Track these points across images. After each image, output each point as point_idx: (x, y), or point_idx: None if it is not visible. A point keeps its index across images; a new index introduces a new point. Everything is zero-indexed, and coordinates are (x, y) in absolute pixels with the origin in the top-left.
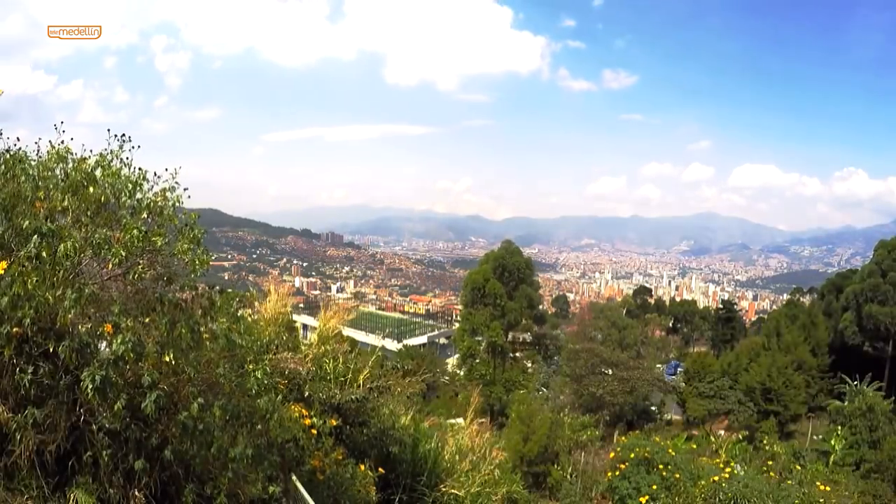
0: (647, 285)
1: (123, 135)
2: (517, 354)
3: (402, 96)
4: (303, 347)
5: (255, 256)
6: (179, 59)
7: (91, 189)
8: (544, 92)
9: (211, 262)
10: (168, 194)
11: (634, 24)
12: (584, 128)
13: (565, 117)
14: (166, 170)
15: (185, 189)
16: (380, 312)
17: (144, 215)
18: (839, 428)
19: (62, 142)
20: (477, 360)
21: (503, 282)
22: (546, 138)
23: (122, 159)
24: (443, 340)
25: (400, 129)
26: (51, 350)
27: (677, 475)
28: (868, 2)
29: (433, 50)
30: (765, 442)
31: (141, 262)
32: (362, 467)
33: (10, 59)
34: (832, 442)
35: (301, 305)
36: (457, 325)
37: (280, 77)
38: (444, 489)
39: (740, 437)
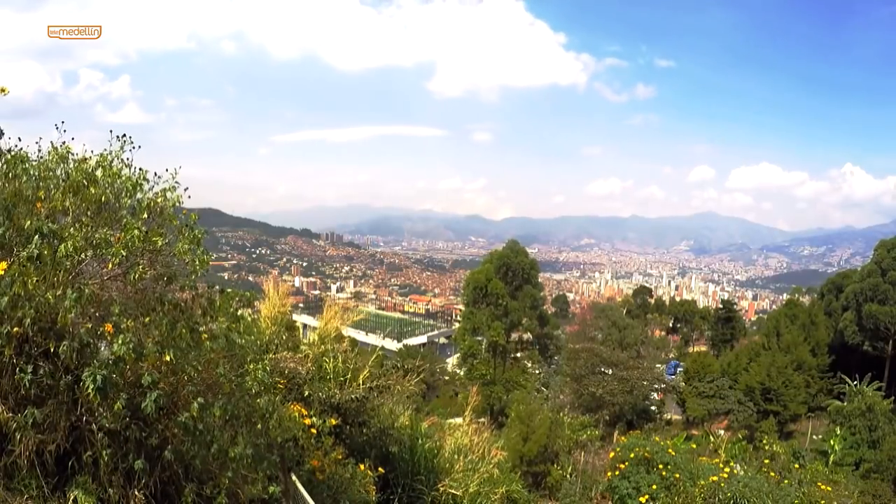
0: (647, 285)
1: (124, 135)
2: (518, 354)
3: (434, 102)
4: (303, 347)
5: (255, 256)
6: (237, 64)
7: (92, 189)
8: (568, 101)
9: (211, 262)
10: (168, 194)
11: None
12: (594, 131)
13: (579, 123)
14: (166, 170)
15: (185, 189)
16: (380, 312)
17: (145, 215)
18: (839, 428)
19: (63, 142)
20: (477, 360)
21: (507, 281)
22: (553, 142)
23: (122, 159)
24: (443, 340)
25: (403, 131)
26: (51, 350)
27: (677, 475)
28: None
29: (481, 64)
30: (764, 442)
31: (141, 262)
32: (362, 467)
33: (71, 60)
34: (832, 442)
35: (301, 305)
36: (456, 324)
37: (337, 82)
38: (442, 488)
39: (740, 436)
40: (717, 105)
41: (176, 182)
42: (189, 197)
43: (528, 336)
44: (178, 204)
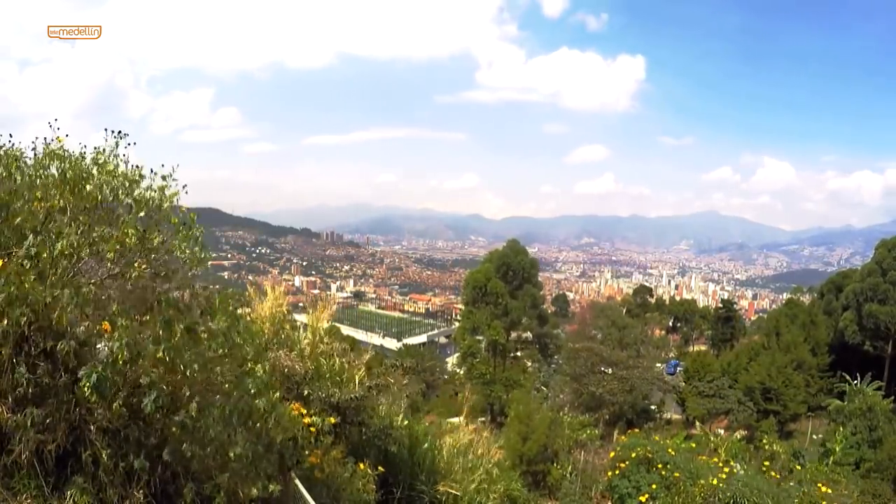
0: (647, 284)
1: (119, 131)
2: (517, 353)
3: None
4: (302, 346)
5: (254, 255)
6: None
7: (87, 187)
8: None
9: (211, 262)
10: (165, 192)
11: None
12: (598, 133)
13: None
14: (162, 166)
15: (183, 186)
16: (380, 311)
17: (141, 213)
18: (842, 427)
19: (57, 138)
20: (477, 359)
21: (507, 281)
22: (555, 143)
23: (117, 156)
24: (442, 339)
25: (404, 132)
26: (49, 349)
27: (677, 474)
28: None
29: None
30: (764, 441)
31: (139, 260)
32: (361, 466)
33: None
34: (832, 442)
35: (301, 304)
36: (457, 324)
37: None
38: (442, 487)
39: (739, 436)
40: (715, 103)
41: (174, 179)
42: (187, 192)
43: (527, 335)
44: (174, 202)
